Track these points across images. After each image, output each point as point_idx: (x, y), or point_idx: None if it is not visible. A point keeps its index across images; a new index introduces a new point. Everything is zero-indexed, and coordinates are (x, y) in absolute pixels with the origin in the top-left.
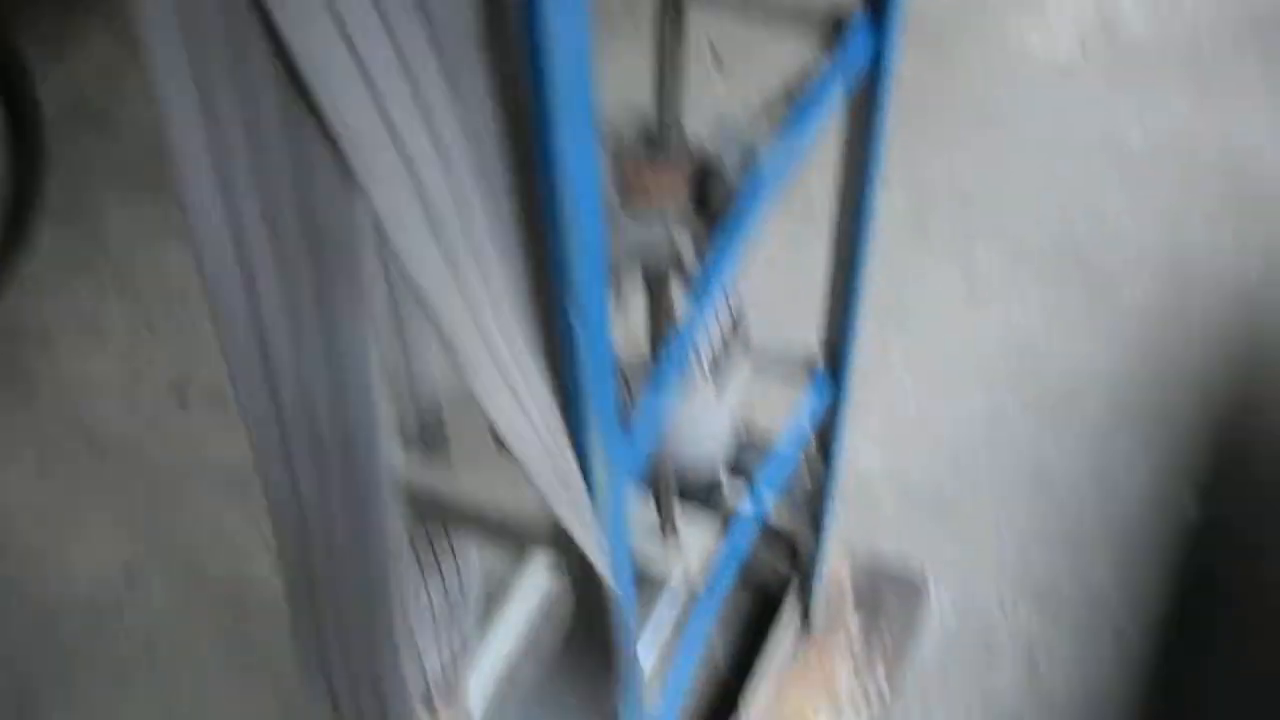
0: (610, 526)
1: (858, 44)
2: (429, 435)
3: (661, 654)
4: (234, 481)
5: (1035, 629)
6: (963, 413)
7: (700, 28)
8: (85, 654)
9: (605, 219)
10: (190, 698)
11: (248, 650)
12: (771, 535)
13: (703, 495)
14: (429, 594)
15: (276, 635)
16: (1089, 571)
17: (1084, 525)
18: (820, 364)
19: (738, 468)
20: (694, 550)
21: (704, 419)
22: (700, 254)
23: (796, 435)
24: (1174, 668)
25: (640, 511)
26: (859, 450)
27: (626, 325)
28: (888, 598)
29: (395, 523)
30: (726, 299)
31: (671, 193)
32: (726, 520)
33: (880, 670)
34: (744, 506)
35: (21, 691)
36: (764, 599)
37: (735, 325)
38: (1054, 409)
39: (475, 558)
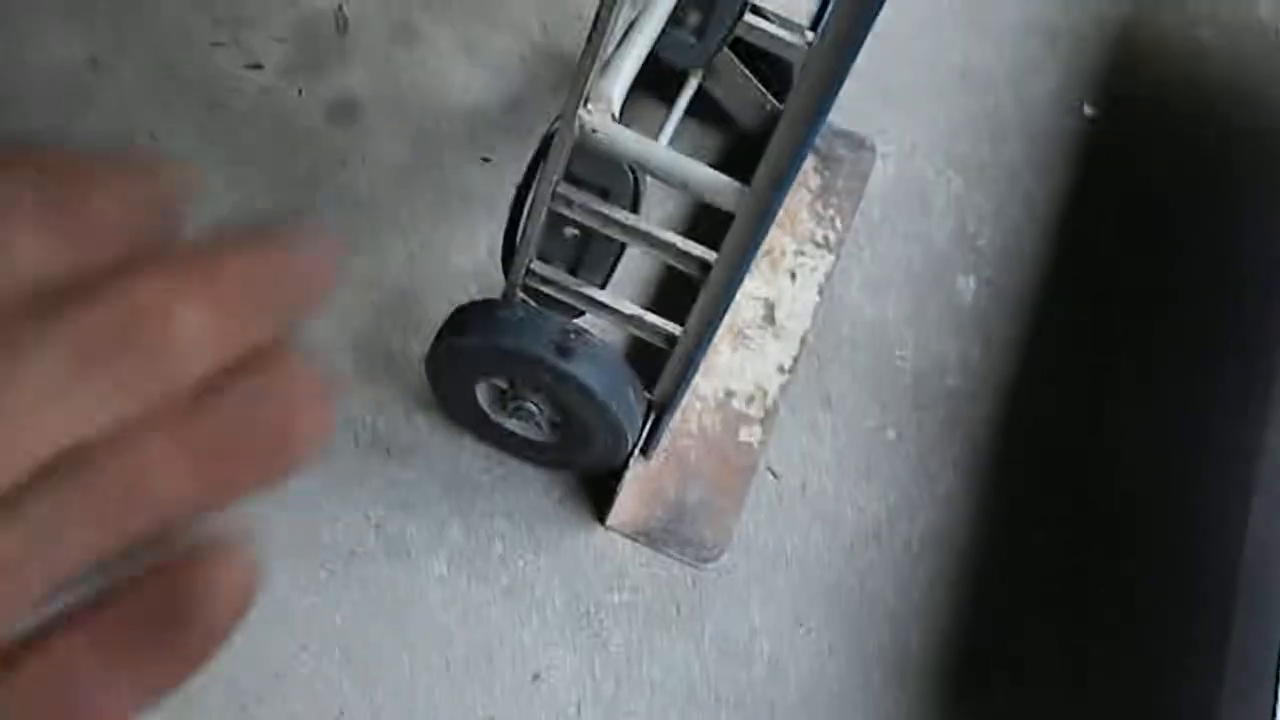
0: None
1: None
2: None
3: None
4: None
5: (963, 193)
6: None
7: None
8: (54, 138)
9: None
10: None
11: (231, 144)
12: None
13: None
14: None
15: (260, 133)
16: (1005, 152)
17: (1002, 117)
18: None
19: None
20: None
21: None
22: None
23: None
24: (1074, 224)
25: None
26: None
27: None
28: (842, 160)
29: None
30: None
31: None
32: None
33: (836, 219)
34: None
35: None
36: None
37: None
38: (977, 10)
39: None
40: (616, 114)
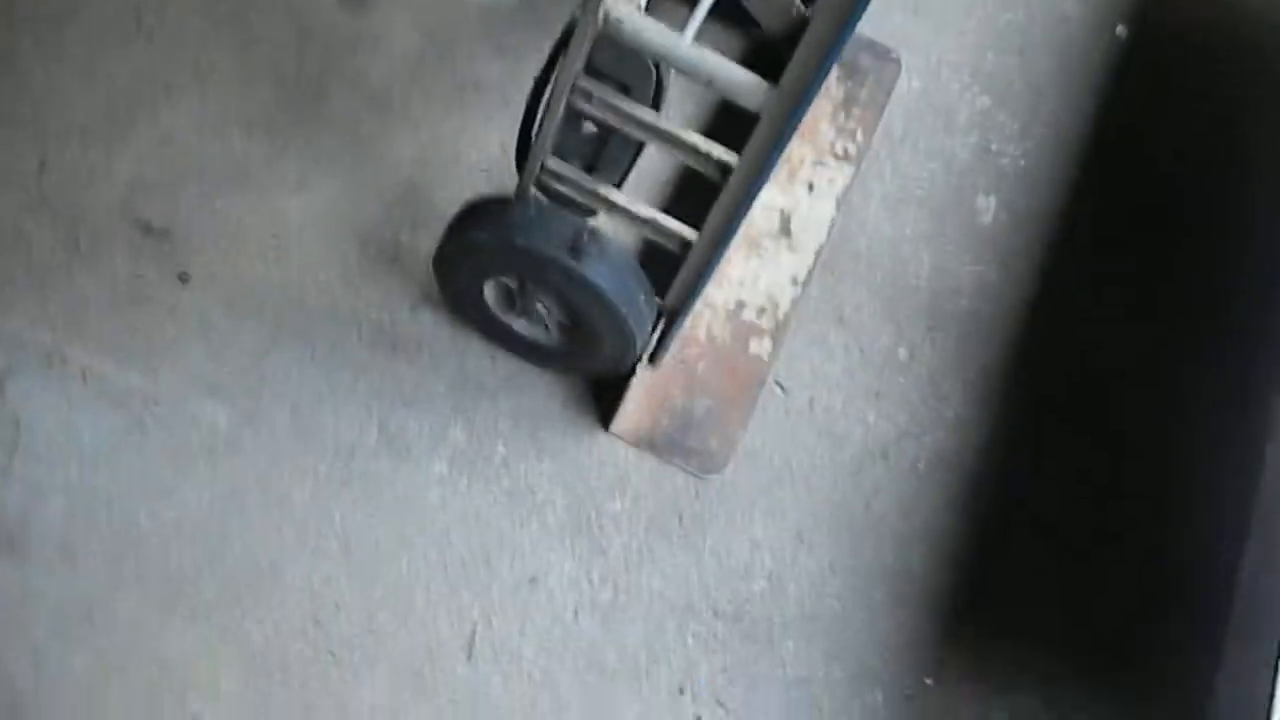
0: None
1: None
2: None
3: None
4: None
5: (988, 110)
6: None
7: None
8: (67, 16)
9: None
10: (186, 67)
11: (241, 27)
12: None
13: None
14: None
15: (271, 17)
16: (1033, 71)
17: (1032, 34)
18: None
19: None
20: None
21: None
22: None
23: None
24: (1098, 148)
25: None
26: None
27: None
28: (866, 71)
29: None
30: None
31: None
32: None
33: (858, 131)
34: None
35: None
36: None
37: None
38: None
39: None
40: (643, 3)
